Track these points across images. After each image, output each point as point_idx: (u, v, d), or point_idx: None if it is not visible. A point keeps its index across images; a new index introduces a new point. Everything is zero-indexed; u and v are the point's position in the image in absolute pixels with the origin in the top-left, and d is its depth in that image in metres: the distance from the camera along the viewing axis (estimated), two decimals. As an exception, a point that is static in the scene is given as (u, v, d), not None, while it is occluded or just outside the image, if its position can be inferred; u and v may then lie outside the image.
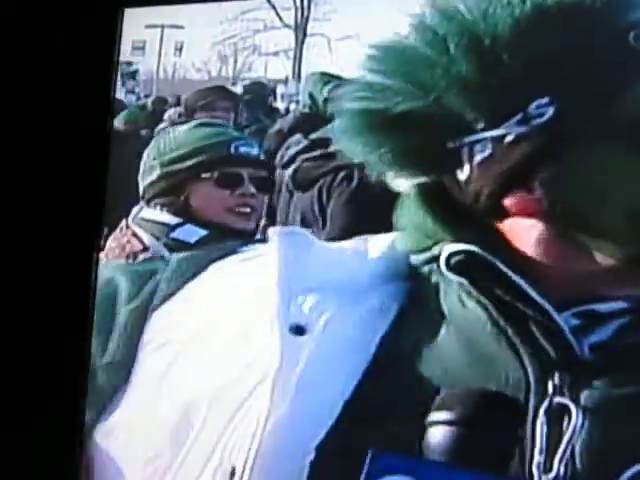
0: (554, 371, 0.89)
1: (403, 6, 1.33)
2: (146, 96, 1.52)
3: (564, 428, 0.87)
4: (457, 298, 0.94)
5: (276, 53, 1.39)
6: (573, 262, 0.90)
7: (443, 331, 0.95)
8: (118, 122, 1.44)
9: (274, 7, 1.35)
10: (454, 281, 0.94)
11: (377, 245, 1.03)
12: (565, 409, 0.88)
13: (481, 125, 0.90)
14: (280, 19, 1.36)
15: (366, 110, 0.97)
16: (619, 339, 0.89)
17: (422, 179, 0.97)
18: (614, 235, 0.88)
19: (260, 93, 1.44)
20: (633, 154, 0.87)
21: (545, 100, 0.88)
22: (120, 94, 1.46)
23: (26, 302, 1.43)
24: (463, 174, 0.93)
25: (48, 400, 1.37)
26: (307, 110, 1.36)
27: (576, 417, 0.87)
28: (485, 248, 0.92)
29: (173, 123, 1.49)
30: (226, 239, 1.31)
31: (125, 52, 1.42)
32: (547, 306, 0.89)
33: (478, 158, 0.91)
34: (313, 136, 1.31)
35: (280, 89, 1.41)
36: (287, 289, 0.99)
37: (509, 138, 0.90)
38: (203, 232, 1.35)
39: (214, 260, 1.09)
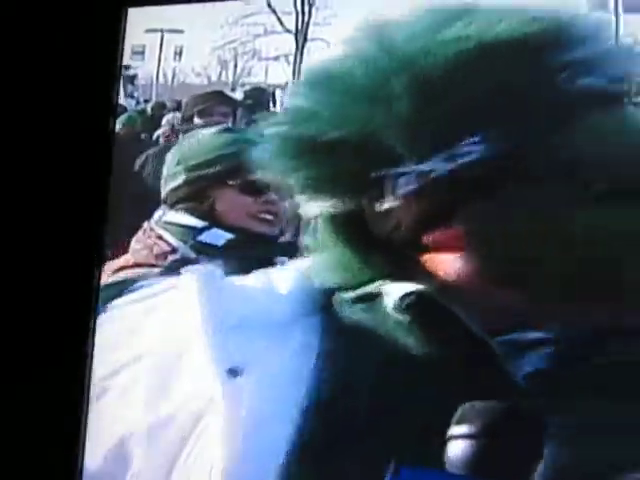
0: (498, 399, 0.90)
1: (404, 11, 1.32)
2: (145, 101, 1.51)
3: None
4: (395, 334, 0.96)
5: (276, 58, 1.38)
6: (494, 295, 0.92)
7: (381, 365, 0.97)
8: (117, 126, 1.44)
9: (274, 11, 1.35)
10: (392, 318, 0.96)
11: (287, 277, 1.04)
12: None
13: (410, 159, 0.92)
14: (281, 23, 1.35)
15: (292, 135, 0.98)
16: (546, 368, 0.91)
17: (340, 206, 0.98)
18: (538, 270, 0.90)
19: (260, 99, 1.43)
20: (558, 194, 0.89)
21: (475, 139, 0.90)
22: (120, 98, 1.46)
23: (26, 308, 1.42)
24: (385, 205, 0.95)
25: (48, 417, 1.37)
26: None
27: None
28: (404, 279, 0.95)
29: (172, 128, 1.48)
30: (252, 243, 1.32)
31: (124, 56, 1.42)
32: (490, 341, 0.91)
33: (402, 191, 0.93)
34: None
35: (280, 94, 1.40)
36: (213, 329, 1.00)
37: (435, 174, 0.91)
38: (229, 235, 1.35)
39: (113, 297, 1.10)
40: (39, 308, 1.40)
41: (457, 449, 0.89)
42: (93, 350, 1.18)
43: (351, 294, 0.99)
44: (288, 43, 1.35)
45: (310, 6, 1.34)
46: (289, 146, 0.98)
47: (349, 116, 0.94)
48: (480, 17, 0.92)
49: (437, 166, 0.91)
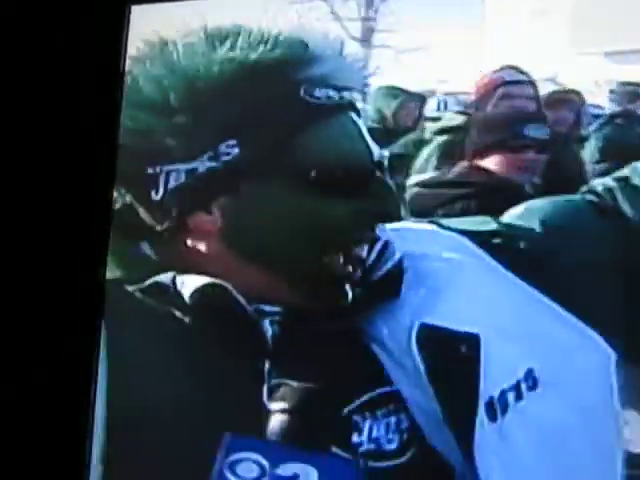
0: (262, 360, 1.11)
1: (468, 18, 1.30)
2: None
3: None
4: (187, 318, 1.13)
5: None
6: (240, 272, 1.12)
7: (176, 346, 1.14)
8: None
9: (339, 19, 1.33)
10: (184, 305, 1.13)
11: None
12: (282, 385, 1.11)
13: (182, 158, 1.12)
14: (345, 31, 1.33)
15: None
16: (281, 333, 1.12)
17: (124, 199, 1.18)
18: (272, 255, 1.11)
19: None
20: (297, 190, 1.09)
21: (233, 142, 1.10)
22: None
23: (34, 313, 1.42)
24: (157, 196, 1.14)
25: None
26: (374, 125, 1.33)
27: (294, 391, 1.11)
28: (172, 261, 1.15)
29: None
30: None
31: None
32: (253, 314, 1.11)
33: (172, 184, 1.12)
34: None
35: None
36: None
37: (200, 170, 1.11)
38: None
39: None
40: (46, 312, 1.40)
41: (276, 421, 1.10)
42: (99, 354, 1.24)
43: (137, 286, 1.15)
44: (353, 50, 1.33)
45: (375, 13, 1.32)
46: None
47: (139, 125, 1.14)
48: (243, 39, 1.12)
49: (202, 164, 1.11)
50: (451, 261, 1.15)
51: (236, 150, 1.10)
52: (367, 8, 1.33)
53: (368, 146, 1.12)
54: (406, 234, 1.16)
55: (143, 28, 1.34)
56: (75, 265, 1.39)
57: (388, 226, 1.13)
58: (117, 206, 1.19)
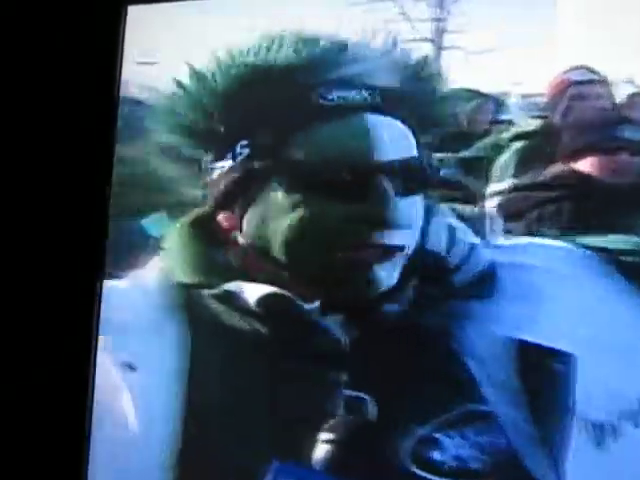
0: (336, 367, 1.12)
1: (538, 19, 1.28)
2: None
3: (363, 414, 1.11)
4: (251, 324, 1.16)
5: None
6: (265, 269, 1.16)
7: (239, 354, 1.17)
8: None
9: (409, 19, 1.31)
10: (250, 311, 1.15)
11: (152, 276, 1.25)
12: (359, 399, 1.10)
13: (211, 158, 1.19)
14: (416, 32, 1.31)
15: None
16: (355, 339, 1.12)
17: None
18: (285, 252, 1.14)
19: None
20: (294, 191, 1.12)
21: (245, 142, 1.15)
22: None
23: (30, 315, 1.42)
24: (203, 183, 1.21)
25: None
26: (449, 128, 1.31)
27: (371, 406, 1.10)
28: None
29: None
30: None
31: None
32: (324, 321, 1.12)
33: (207, 180, 1.20)
34: (465, 154, 1.26)
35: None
36: (108, 329, 1.26)
37: (224, 169, 1.17)
38: None
39: None
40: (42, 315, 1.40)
41: (323, 451, 1.10)
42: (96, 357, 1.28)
43: (213, 291, 1.18)
44: (423, 51, 1.31)
45: (446, 14, 1.30)
46: None
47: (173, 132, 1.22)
48: (268, 43, 1.15)
49: (225, 162, 1.17)
50: (555, 275, 1.12)
51: (247, 150, 1.15)
52: (438, 9, 1.31)
53: (371, 148, 1.12)
54: (510, 246, 1.15)
55: (139, 28, 1.35)
56: (72, 265, 1.39)
57: (499, 240, 1.15)
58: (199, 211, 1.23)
